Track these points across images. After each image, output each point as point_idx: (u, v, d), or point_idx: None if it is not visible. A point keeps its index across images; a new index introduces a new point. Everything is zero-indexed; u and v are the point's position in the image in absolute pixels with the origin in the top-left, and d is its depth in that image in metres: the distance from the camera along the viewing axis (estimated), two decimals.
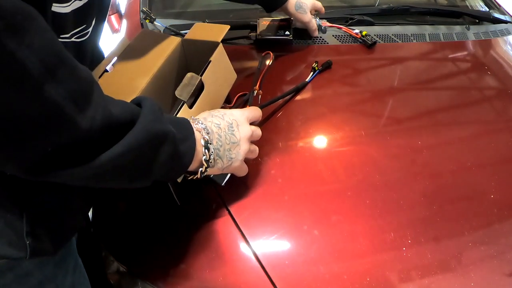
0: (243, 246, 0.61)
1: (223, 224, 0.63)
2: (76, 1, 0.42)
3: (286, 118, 0.80)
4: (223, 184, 0.63)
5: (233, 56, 0.72)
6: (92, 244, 0.70)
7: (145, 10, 0.98)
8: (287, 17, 0.99)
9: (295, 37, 0.96)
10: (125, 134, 0.39)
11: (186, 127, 0.50)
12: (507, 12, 1.31)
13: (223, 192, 0.66)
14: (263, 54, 0.92)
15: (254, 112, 0.62)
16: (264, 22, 0.97)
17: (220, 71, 0.67)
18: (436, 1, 1.37)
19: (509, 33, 1.20)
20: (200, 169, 0.52)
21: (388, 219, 0.65)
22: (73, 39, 0.46)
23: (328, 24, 1.02)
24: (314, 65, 0.89)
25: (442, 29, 1.12)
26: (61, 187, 0.47)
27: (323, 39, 1.00)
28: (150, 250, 0.63)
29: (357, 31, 1.01)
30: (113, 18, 1.24)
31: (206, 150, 0.51)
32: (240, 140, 0.56)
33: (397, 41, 1.05)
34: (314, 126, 0.79)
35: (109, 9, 1.23)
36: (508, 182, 0.73)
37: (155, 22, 0.96)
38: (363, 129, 0.79)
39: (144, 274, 0.60)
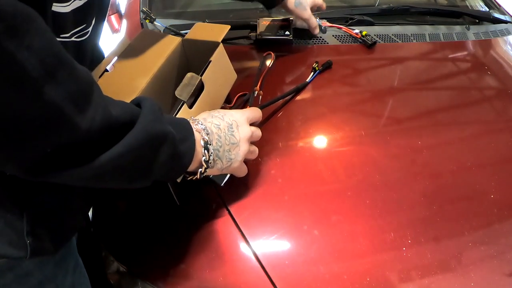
0: (243, 246, 0.61)
1: (223, 224, 0.63)
2: (76, 1, 0.42)
3: (286, 118, 0.80)
4: (222, 184, 0.63)
5: (233, 56, 0.72)
6: (92, 244, 0.70)
7: (145, 10, 0.98)
8: (287, 17, 0.99)
9: (295, 37, 0.96)
10: (125, 135, 0.39)
11: (185, 128, 0.50)
12: (507, 12, 1.31)
13: (223, 192, 0.66)
14: (264, 55, 0.92)
15: (254, 113, 0.62)
16: (264, 22, 0.97)
17: (220, 71, 0.67)
18: (436, 1, 1.37)
19: (509, 33, 1.20)
20: (200, 169, 0.52)
21: (388, 219, 0.65)
22: (73, 39, 0.46)
23: (328, 24, 1.02)
24: (315, 65, 0.89)
25: (442, 29, 1.12)
26: (61, 187, 0.47)
27: (323, 39, 1.00)
28: (150, 250, 0.63)
29: (357, 31, 1.01)
30: (113, 18, 1.24)
31: (205, 151, 0.51)
32: (240, 141, 0.56)
33: (397, 41, 1.05)
34: (314, 126, 0.79)
35: (109, 9, 1.23)
36: (508, 182, 0.73)
37: (155, 22, 0.96)
38: (363, 129, 0.79)
39: (144, 274, 0.60)
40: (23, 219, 0.47)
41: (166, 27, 0.95)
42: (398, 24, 1.10)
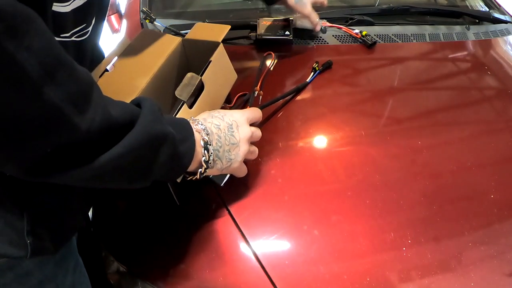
0: (243, 246, 0.61)
1: (223, 224, 0.63)
2: (76, 0, 0.42)
3: (286, 118, 0.80)
4: (222, 184, 0.63)
5: (233, 56, 0.72)
6: (92, 244, 0.70)
7: (145, 10, 0.98)
8: (287, 17, 0.99)
9: (295, 37, 0.96)
10: (124, 135, 0.39)
11: (185, 128, 0.50)
12: (507, 12, 1.31)
13: (223, 192, 0.66)
14: (264, 55, 0.92)
15: (254, 113, 0.62)
16: (264, 22, 0.97)
17: (220, 71, 0.67)
18: (436, 1, 1.37)
19: (509, 33, 1.20)
20: (200, 170, 0.52)
21: (388, 219, 0.65)
22: (73, 38, 0.46)
23: (328, 24, 1.02)
24: (315, 65, 0.89)
25: (442, 29, 1.12)
26: (61, 187, 0.47)
27: (323, 39, 1.00)
28: (150, 250, 0.63)
29: (357, 31, 1.01)
30: (113, 18, 1.24)
31: (205, 151, 0.51)
32: (240, 141, 0.56)
33: (397, 41, 1.05)
34: (314, 126, 0.79)
35: (109, 9, 1.23)
36: (508, 182, 0.73)
37: (155, 22, 0.96)
38: (363, 129, 0.79)
39: (144, 274, 0.60)
40: (23, 219, 0.47)
41: (166, 27, 0.95)
42: (398, 24, 1.10)
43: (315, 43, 0.99)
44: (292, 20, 0.98)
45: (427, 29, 1.10)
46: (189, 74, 0.60)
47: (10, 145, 0.34)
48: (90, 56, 0.55)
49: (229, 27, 0.71)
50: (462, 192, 0.71)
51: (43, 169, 0.36)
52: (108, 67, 0.63)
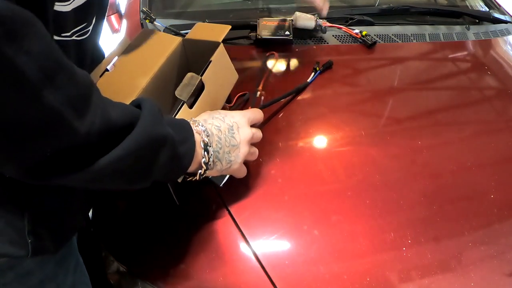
0: (243, 246, 0.61)
1: (223, 224, 0.63)
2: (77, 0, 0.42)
3: (286, 118, 0.80)
4: (221, 185, 0.63)
5: (233, 56, 0.71)
6: (92, 244, 0.70)
7: (145, 10, 0.98)
8: (287, 17, 0.99)
9: (295, 37, 0.96)
10: (124, 138, 0.39)
11: (186, 129, 0.50)
12: (507, 12, 1.31)
13: (223, 192, 0.66)
14: (267, 54, 0.92)
15: (255, 114, 0.62)
16: (264, 22, 0.97)
17: (220, 71, 0.67)
18: (436, 1, 1.37)
19: (509, 33, 1.20)
20: (199, 171, 0.52)
21: (388, 219, 0.65)
22: (74, 37, 0.46)
23: (328, 24, 1.02)
24: (315, 65, 0.89)
25: (442, 29, 1.12)
26: (62, 188, 0.47)
27: (323, 39, 1.00)
28: (150, 250, 0.63)
29: (357, 31, 1.01)
30: (113, 18, 1.24)
31: (205, 153, 0.51)
32: (240, 143, 0.56)
33: (397, 41, 1.05)
34: (314, 126, 0.79)
35: (109, 9, 1.23)
36: (508, 182, 0.73)
37: (155, 22, 0.96)
38: (363, 129, 0.79)
39: (144, 274, 0.60)
40: (24, 219, 0.47)
41: (166, 27, 0.95)
42: (398, 24, 1.10)
43: (315, 43, 0.99)
44: (292, 20, 0.98)
45: (427, 29, 1.10)
46: (189, 74, 0.60)
47: (9, 148, 0.34)
48: (91, 55, 0.55)
49: (229, 27, 0.71)
50: (462, 192, 0.71)
51: (43, 171, 0.37)
52: (108, 67, 0.63)
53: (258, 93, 0.78)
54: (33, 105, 0.32)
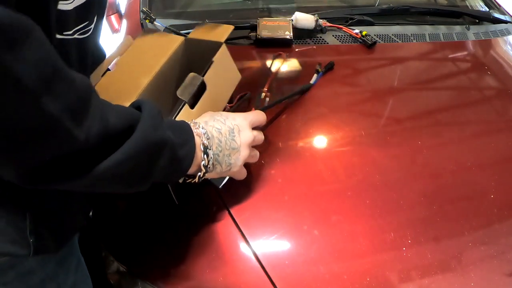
0: (243, 246, 0.61)
1: (223, 224, 0.63)
2: None
3: (286, 118, 0.80)
4: (220, 186, 0.63)
5: (233, 56, 0.71)
6: (93, 244, 0.70)
7: (145, 10, 0.98)
8: (287, 17, 0.99)
9: (295, 37, 0.96)
10: (124, 142, 0.39)
11: (186, 131, 0.49)
12: (507, 12, 1.31)
13: (223, 192, 0.66)
14: (274, 55, 0.91)
15: (257, 116, 0.62)
16: (264, 22, 0.97)
17: (223, 72, 0.67)
18: (436, 1, 1.37)
19: (509, 33, 1.20)
20: (199, 173, 0.52)
21: (388, 219, 0.65)
22: (76, 36, 0.46)
23: (328, 24, 1.02)
24: (317, 67, 0.89)
25: (442, 29, 1.12)
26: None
27: (323, 39, 1.00)
28: (150, 250, 0.63)
29: (357, 31, 1.01)
30: (113, 18, 1.24)
31: (205, 155, 0.51)
32: (241, 146, 0.56)
33: (397, 41, 1.05)
34: (314, 126, 0.79)
35: (109, 9, 1.23)
36: (508, 182, 0.73)
37: (155, 22, 0.96)
38: (363, 129, 0.79)
39: (144, 274, 0.60)
40: (25, 219, 0.47)
41: (166, 27, 0.95)
42: (398, 24, 1.10)
43: (315, 43, 0.99)
44: (292, 20, 0.98)
45: (427, 29, 1.10)
46: (191, 74, 0.60)
47: (8, 153, 0.34)
48: (92, 54, 0.55)
49: (232, 27, 0.70)
50: (462, 192, 0.71)
51: (41, 177, 0.37)
52: (110, 66, 0.62)
53: (263, 94, 0.77)
54: (32, 112, 0.32)
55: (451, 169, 0.74)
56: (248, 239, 0.61)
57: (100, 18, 0.51)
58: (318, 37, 1.00)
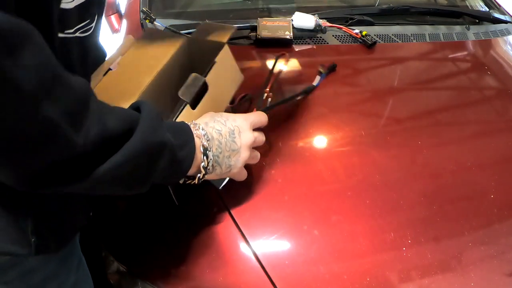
0: (243, 246, 0.61)
1: (223, 224, 0.63)
2: None
3: (286, 118, 0.80)
4: (220, 187, 0.63)
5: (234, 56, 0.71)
6: (93, 244, 0.70)
7: (145, 10, 0.98)
8: (287, 17, 0.99)
9: (295, 37, 0.96)
10: (123, 144, 0.39)
11: (186, 133, 0.49)
12: (507, 12, 1.31)
13: (223, 192, 0.66)
14: (278, 55, 0.91)
15: (259, 117, 0.61)
16: (264, 22, 0.97)
17: (225, 72, 0.66)
18: (436, 1, 1.37)
19: (509, 33, 1.20)
20: (198, 175, 0.52)
21: (388, 219, 0.65)
22: (77, 34, 0.46)
23: (328, 24, 1.02)
24: (320, 68, 0.88)
25: (442, 29, 1.12)
26: None
27: (323, 39, 1.00)
28: (150, 250, 0.63)
29: (357, 31, 1.01)
30: (113, 18, 1.24)
31: (204, 157, 0.51)
32: (241, 148, 0.56)
33: (397, 41, 1.05)
34: (314, 126, 0.79)
35: (109, 9, 1.23)
36: (508, 182, 0.73)
37: (155, 22, 0.96)
38: (363, 129, 0.79)
39: (144, 274, 0.60)
40: (26, 219, 0.47)
41: (166, 27, 0.95)
42: (398, 24, 1.10)
43: (315, 43, 0.99)
44: (292, 20, 0.98)
45: (427, 29, 1.10)
46: (193, 75, 0.59)
47: (6, 159, 0.34)
48: (93, 53, 0.55)
49: (235, 27, 0.70)
50: (462, 192, 0.71)
51: (40, 181, 0.37)
52: (111, 66, 0.62)
53: (265, 95, 0.77)
54: (31, 117, 0.32)
55: (451, 169, 0.74)
56: (248, 239, 0.61)
57: (100, 17, 0.51)
58: (318, 37, 1.00)
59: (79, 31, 0.45)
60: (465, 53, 1.10)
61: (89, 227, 0.72)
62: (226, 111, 0.64)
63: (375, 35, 1.03)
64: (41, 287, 0.54)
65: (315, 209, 0.65)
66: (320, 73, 0.88)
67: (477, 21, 1.22)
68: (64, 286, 0.58)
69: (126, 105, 0.50)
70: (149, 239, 0.64)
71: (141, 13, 1.01)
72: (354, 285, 0.57)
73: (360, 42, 1.01)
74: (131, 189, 0.44)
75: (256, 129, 0.61)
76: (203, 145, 0.50)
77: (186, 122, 0.52)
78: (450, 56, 1.07)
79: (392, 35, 1.05)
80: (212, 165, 0.52)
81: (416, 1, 1.28)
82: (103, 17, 0.55)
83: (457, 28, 1.14)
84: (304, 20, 0.98)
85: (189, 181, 0.53)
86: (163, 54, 0.65)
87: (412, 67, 1.01)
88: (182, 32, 0.93)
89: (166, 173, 0.46)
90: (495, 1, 1.34)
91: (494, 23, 1.22)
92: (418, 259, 0.60)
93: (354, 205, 0.66)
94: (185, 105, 0.58)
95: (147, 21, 0.96)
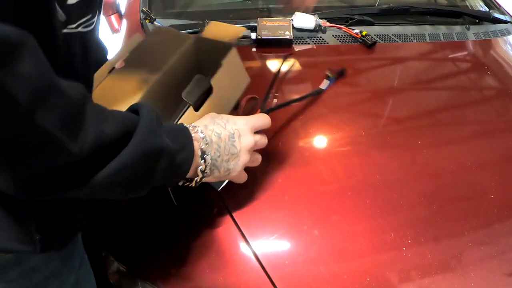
0: (243, 246, 0.61)
1: (223, 224, 0.63)
2: None
3: (286, 118, 0.80)
4: (219, 189, 0.62)
5: None
6: (93, 244, 0.70)
7: (145, 10, 0.98)
8: (287, 17, 0.99)
9: (295, 37, 0.96)
10: (121, 150, 0.39)
11: (184, 136, 0.49)
12: (507, 12, 1.31)
13: (223, 192, 0.66)
14: (285, 55, 0.90)
15: (261, 120, 0.60)
16: (264, 22, 0.97)
17: (231, 75, 0.65)
18: (436, 1, 1.37)
19: (509, 33, 1.20)
20: (196, 178, 0.51)
21: (388, 219, 0.65)
22: (79, 29, 0.45)
23: (328, 24, 1.02)
24: (328, 72, 0.86)
25: (442, 29, 1.12)
26: None
27: (323, 39, 1.00)
28: (150, 250, 0.63)
29: (357, 31, 1.01)
30: (113, 18, 1.24)
31: (202, 161, 0.50)
32: (240, 151, 0.55)
33: (397, 41, 1.05)
34: (314, 126, 0.79)
35: (109, 9, 1.23)
36: (508, 182, 0.73)
37: (155, 22, 0.96)
38: (363, 129, 0.79)
39: (144, 274, 0.60)
40: (30, 216, 0.47)
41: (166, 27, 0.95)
42: (398, 24, 1.10)
43: (315, 43, 0.99)
44: (292, 20, 0.98)
45: (427, 29, 1.10)
46: (197, 76, 0.59)
47: (2, 168, 0.34)
48: (95, 49, 0.55)
49: (244, 29, 0.69)
50: (462, 192, 0.71)
51: (37, 189, 0.36)
52: (117, 65, 0.61)
53: (270, 95, 0.76)
54: (26, 127, 0.32)
55: (451, 169, 0.74)
56: (248, 239, 0.61)
57: (100, 12, 0.51)
58: (318, 37, 1.00)
59: (81, 26, 0.45)
60: (465, 53, 1.10)
61: (89, 227, 0.72)
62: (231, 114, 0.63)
63: (375, 35, 1.03)
64: (44, 286, 0.55)
65: (315, 209, 0.65)
66: (328, 77, 0.86)
67: (477, 21, 1.22)
68: (66, 284, 0.58)
69: (130, 103, 0.49)
70: (149, 239, 0.64)
71: (141, 13, 1.01)
72: (354, 285, 0.57)
73: (360, 42, 1.01)
74: (129, 193, 0.44)
75: (258, 132, 0.60)
76: (201, 149, 0.50)
77: (185, 125, 0.51)
78: (450, 56, 1.07)
79: (392, 35, 1.05)
80: (210, 168, 0.52)
81: (416, 1, 1.28)
82: (103, 17, 0.55)
83: (457, 28, 1.14)
84: (304, 20, 0.98)
85: (187, 183, 0.53)
86: (171, 52, 0.64)
87: (412, 67, 1.01)
88: (183, 32, 0.93)
89: (165, 177, 0.46)
90: (495, 1, 1.34)
91: (494, 23, 1.22)
92: (418, 259, 0.60)
93: (354, 205, 0.66)
94: (188, 107, 0.57)
95: (147, 21, 0.96)
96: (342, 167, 0.72)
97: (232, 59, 0.64)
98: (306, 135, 0.77)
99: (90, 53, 0.51)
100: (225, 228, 0.62)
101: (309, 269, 0.59)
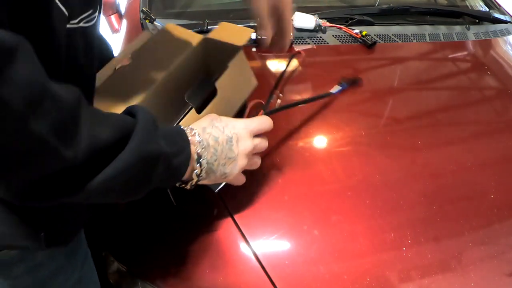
0: (243, 246, 0.61)
1: (223, 224, 0.63)
2: None
3: (286, 118, 0.80)
4: (216, 191, 0.61)
5: None
6: (93, 244, 0.70)
7: (145, 10, 0.98)
8: None
9: (295, 37, 0.96)
10: (116, 155, 0.39)
11: (182, 139, 0.49)
12: (507, 12, 1.31)
13: (223, 192, 0.65)
14: (292, 53, 0.90)
15: (262, 123, 0.59)
16: None
17: (237, 78, 0.64)
18: (436, 1, 1.37)
19: (509, 33, 1.20)
20: (190, 181, 0.51)
21: (388, 219, 0.65)
22: (81, 24, 0.45)
23: (328, 24, 1.02)
24: (341, 80, 0.84)
25: (442, 29, 1.12)
26: None
27: (323, 39, 1.00)
28: (150, 250, 0.63)
29: (357, 31, 1.01)
30: (113, 18, 1.24)
31: (198, 164, 0.50)
32: (238, 156, 0.54)
33: (397, 41, 1.05)
34: (314, 126, 0.79)
35: (109, 9, 1.23)
36: (508, 182, 0.73)
37: (155, 22, 0.96)
38: (363, 129, 0.79)
39: (144, 274, 0.60)
40: (35, 213, 0.47)
41: None
42: (398, 24, 1.10)
43: (315, 43, 0.99)
44: (292, 20, 0.98)
45: (427, 29, 1.10)
46: (202, 78, 0.58)
47: None
48: (98, 45, 0.54)
49: (252, 30, 0.68)
50: (462, 192, 0.71)
51: (33, 195, 0.36)
52: (122, 62, 0.61)
53: (274, 96, 0.75)
54: (18, 134, 0.31)
55: (451, 169, 0.74)
56: (248, 239, 0.61)
57: (100, 8, 0.51)
58: (318, 37, 1.00)
59: (83, 21, 0.45)
60: (465, 53, 1.10)
61: (89, 227, 0.72)
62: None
63: (375, 35, 1.03)
64: (48, 282, 0.55)
65: (315, 209, 0.65)
66: (340, 83, 0.84)
67: (477, 21, 1.22)
68: (70, 280, 0.58)
69: (134, 102, 0.49)
70: (149, 239, 0.64)
71: (141, 13, 1.01)
72: (354, 285, 0.57)
73: (360, 42, 1.01)
74: (126, 198, 0.44)
75: (258, 135, 0.59)
76: (197, 153, 0.49)
77: (183, 127, 0.51)
78: (450, 56, 1.07)
79: (392, 35, 1.05)
80: (206, 172, 0.51)
81: (416, 1, 1.28)
82: (103, 17, 0.55)
83: (457, 28, 1.14)
84: (304, 20, 0.98)
85: (183, 185, 0.52)
86: (179, 51, 0.63)
87: (412, 67, 1.01)
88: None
89: (161, 180, 0.46)
90: (495, 1, 1.34)
91: (494, 23, 1.23)
92: (418, 259, 0.60)
93: (354, 205, 0.66)
94: (190, 109, 0.56)
95: (147, 21, 0.96)
96: (342, 167, 0.72)
97: (239, 61, 0.63)
98: (306, 135, 0.77)
99: (93, 49, 0.50)
100: (225, 228, 0.62)
101: (309, 269, 0.59)
